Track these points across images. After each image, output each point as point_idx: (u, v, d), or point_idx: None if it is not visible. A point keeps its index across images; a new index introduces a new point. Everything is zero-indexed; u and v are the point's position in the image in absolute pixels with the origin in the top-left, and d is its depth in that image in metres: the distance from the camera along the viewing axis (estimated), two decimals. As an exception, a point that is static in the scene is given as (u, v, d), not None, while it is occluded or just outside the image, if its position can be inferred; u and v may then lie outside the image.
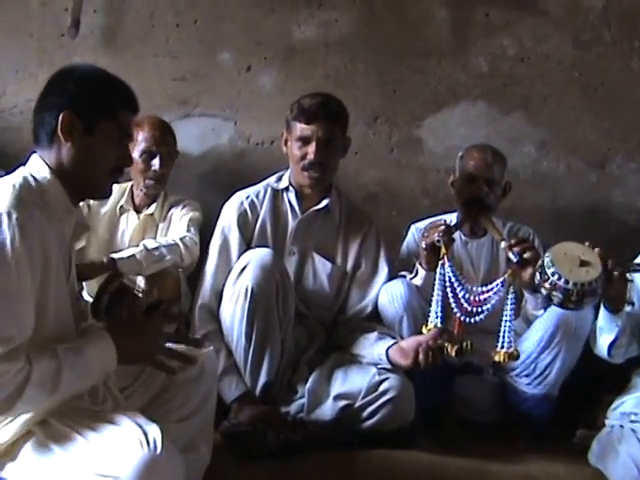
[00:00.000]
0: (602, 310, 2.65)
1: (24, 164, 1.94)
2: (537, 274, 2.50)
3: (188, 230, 3.23)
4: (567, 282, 2.40)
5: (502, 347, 2.69)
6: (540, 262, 2.50)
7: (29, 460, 1.79)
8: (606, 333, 2.66)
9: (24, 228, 1.73)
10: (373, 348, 2.84)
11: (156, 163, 3.27)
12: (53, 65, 1.99)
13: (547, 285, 2.45)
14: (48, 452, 1.78)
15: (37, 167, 1.91)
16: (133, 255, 2.96)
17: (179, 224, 3.29)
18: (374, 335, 2.88)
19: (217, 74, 3.84)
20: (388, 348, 2.78)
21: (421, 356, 2.68)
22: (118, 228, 3.38)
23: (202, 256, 3.13)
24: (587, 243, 2.50)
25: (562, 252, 2.48)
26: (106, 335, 1.88)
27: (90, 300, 2.83)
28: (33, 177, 1.89)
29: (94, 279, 2.91)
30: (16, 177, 1.88)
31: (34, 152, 1.95)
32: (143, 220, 3.36)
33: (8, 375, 1.67)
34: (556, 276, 2.41)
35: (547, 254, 2.48)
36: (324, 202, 3.04)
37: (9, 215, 1.72)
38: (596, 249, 2.48)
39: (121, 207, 3.37)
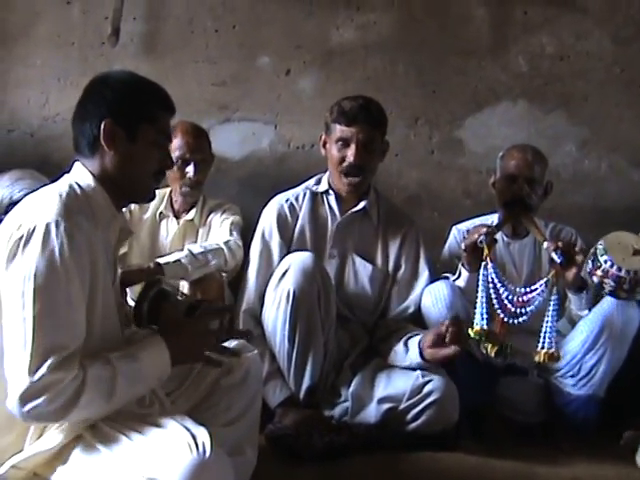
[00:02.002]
0: None
1: (68, 172, 1.96)
2: (589, 262, 2.48)
3: (231, 234, 3.20)
4: (620, 269, 2.39)
5: (542, 347, 2.68)
6: (592, 250, 2.48)
7: (79, 464, 1.81)
8: None
9: (72, 236, 1.75)
10: (408, 357, 2.82)
11: (190, 170, 3.24)
12: (94, 73, 2.01)
13: (599, 272, 2.43)
14: (98, 456, 1.79)
15: (81, 175, 1.92)
16: (179, 260, 2.93)
17: (220, 229, 3.27)
18: (401, 347, 2.85)
19: (257, 78, 3.86)
20: (420, 354, 2.76)
21: (443, 328, 2.66)
22: (159, 234, 3.37)
23: (244, 260, 3.14)
24: None
25: (616, 241, 2.46)
26: (159, 340, 1.90)
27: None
28: (78, 185, 1.90)
29: (140, 284, 2.94)
30: (62, 185, 1.90)
31: (76, 160, 1.96)
32: (183, 226, 3.35)
33: (63, 383, 1.69)
34: (609, 263, 2.40)
35: (600, 242, 2.46)
36: (361, 204, 3.04)
37: (57, 224, 1.74)
38: None
39: (160, 213, 3.36)
